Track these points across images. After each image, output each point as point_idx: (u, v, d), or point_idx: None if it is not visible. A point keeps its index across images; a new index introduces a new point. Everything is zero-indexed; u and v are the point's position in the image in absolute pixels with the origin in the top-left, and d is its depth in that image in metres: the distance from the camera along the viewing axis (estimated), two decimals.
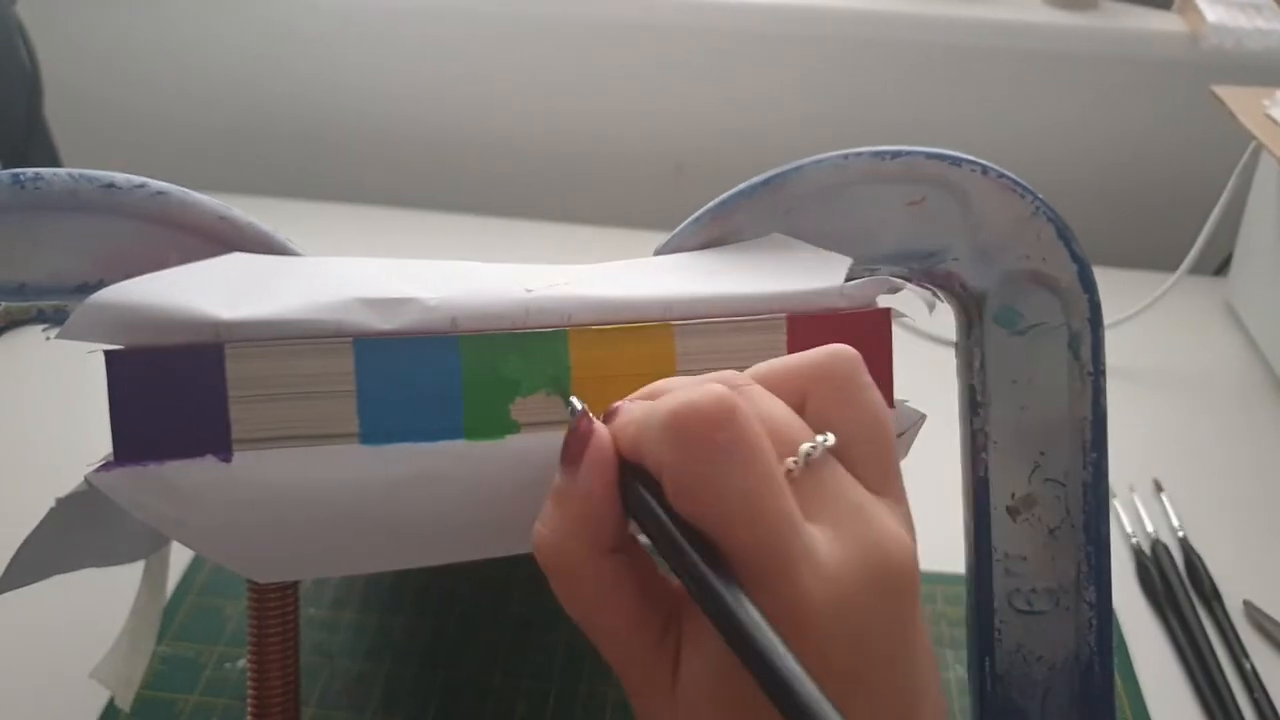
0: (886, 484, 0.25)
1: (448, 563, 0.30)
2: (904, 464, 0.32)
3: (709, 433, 0.22)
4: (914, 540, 0.24)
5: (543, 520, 0.24)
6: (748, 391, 0.24)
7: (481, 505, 0.29)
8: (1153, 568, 0.50)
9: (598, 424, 0.24)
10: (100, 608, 0.38)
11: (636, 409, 0.24)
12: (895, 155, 0.32)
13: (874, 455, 0.24)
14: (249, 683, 0.33)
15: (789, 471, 0.23)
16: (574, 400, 0.27)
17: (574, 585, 0.24)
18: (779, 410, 0.24)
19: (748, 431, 0.22)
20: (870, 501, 0.24)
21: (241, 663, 0.43)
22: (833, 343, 0.28)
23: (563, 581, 0.24)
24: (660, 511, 0.23)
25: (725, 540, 0.22)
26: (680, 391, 0.23)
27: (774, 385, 0.25)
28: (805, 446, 0.23)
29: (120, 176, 0.29)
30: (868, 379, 0.25)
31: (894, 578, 0.23)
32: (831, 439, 0.24)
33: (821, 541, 0.22)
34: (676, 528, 0.23)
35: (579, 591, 0.24)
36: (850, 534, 0.23)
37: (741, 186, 0.32)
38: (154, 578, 0.37)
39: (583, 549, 0.24)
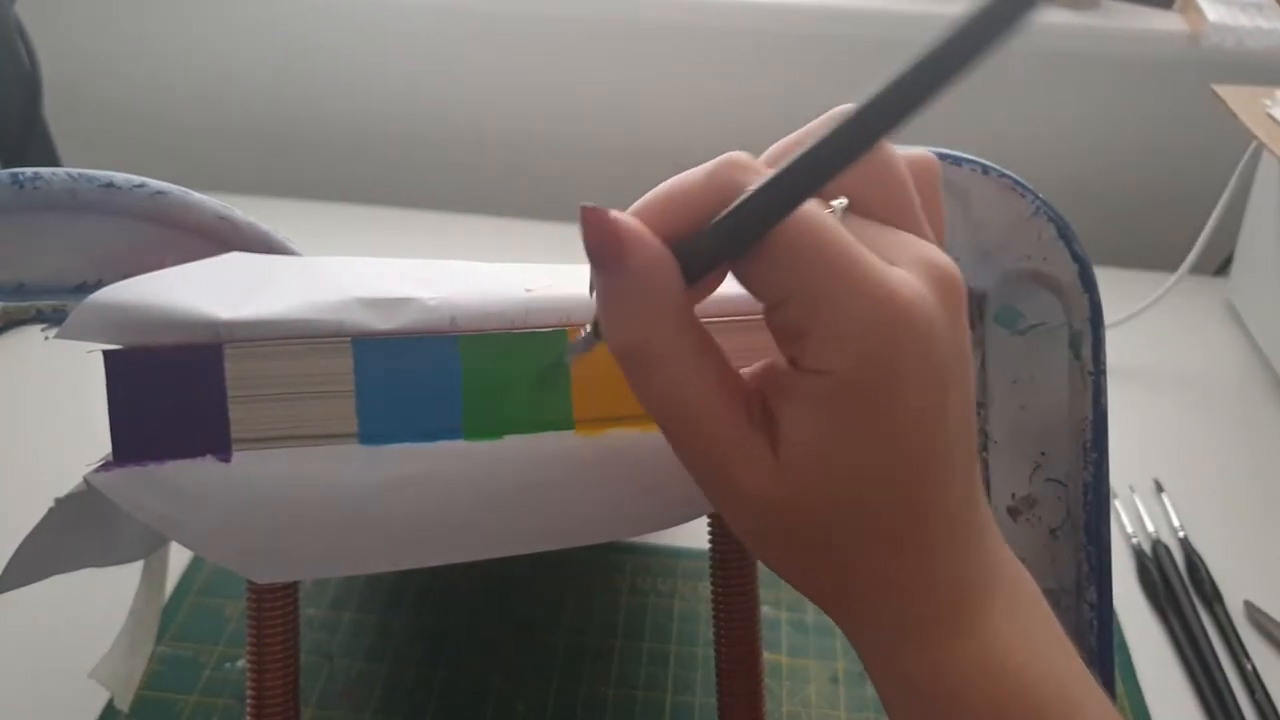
0: (917, 223, 0.24)
1: (447, 563, 0.30)
2: None
3: (959, 298, 0.22)
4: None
5: (607, 324, 0.23)
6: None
7: (481, 505, 0.29)
8: (1153, 568, 0.50)
9: (616, 213, 0.22)
10: (99, 608, 0.38)
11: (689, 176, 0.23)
12: None
13: (896, 201, 0.24)
14: (248, 682, 0.33)
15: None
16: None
17: (659, 370, 0.23)
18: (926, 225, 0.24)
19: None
20: (907, 236, 0.24)
21: (241, 663, 0.43)
22: None
23: (647, 370, 0.23)
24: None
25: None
26: (930, 250, 0.23)
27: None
28: (834, 202, 0.23)
29: (119, 176, 0.29)
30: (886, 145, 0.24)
31: (954, 291, 0.23)
32: (843, 202, 0.23)
33: (895, 271, 0.22)
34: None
35: (666, 374, 0.23)
36: (909, 260, 0.23)
37: None
38: (153, 578, 0.37)
39: (660, 328, 0.22)
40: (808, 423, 0.22)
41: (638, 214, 0.23)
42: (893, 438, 0.22)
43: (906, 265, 0.22)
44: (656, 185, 0.25)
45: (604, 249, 0.22)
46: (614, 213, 0.22)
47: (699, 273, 0.23)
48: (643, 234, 0.22)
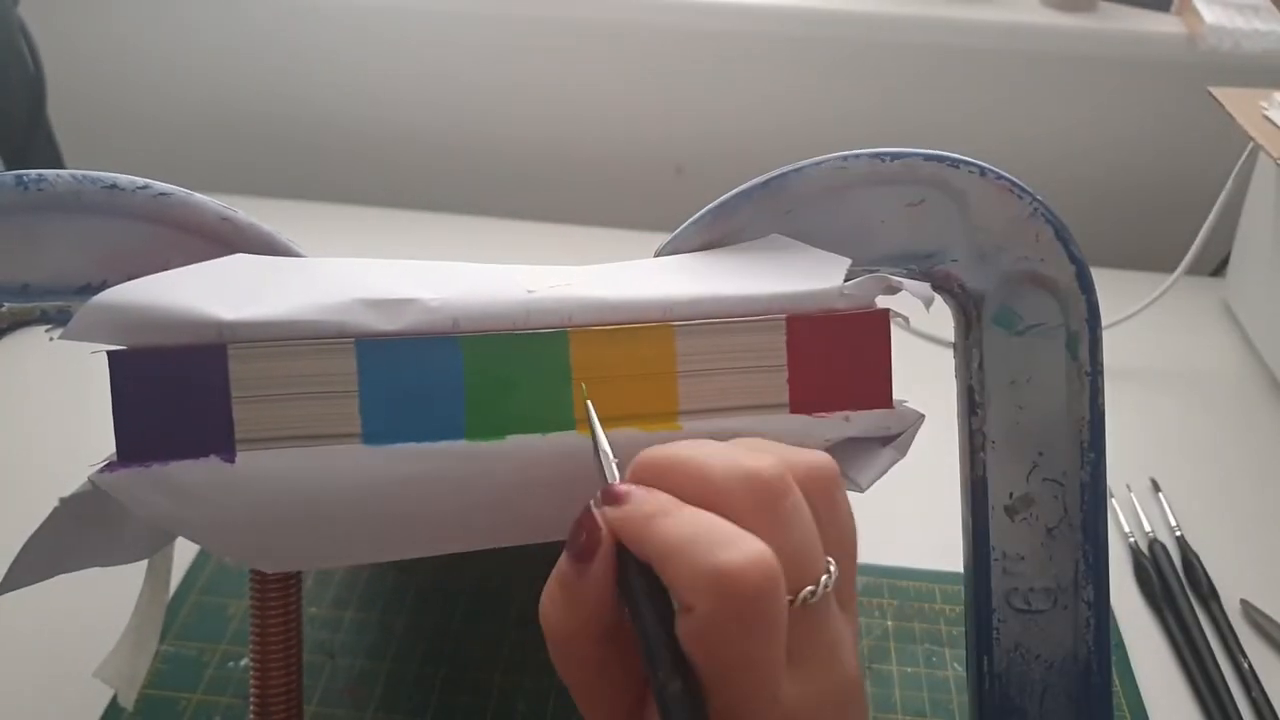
0: (849, 598, 0.26)
1: (451, 553, 0.31)
2: (903, 464, 0.32)
3: (752, 605, 0.22)
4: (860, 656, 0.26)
5: (551, 602, 0.25)
6: (790, 504, 0.24)
7: (483, 504, 0.29)
8: (1150, 567, 0.51)
9: (604, 526, 0.24)
10: (103, 607, 0.38)
11: (654, 500, 0.24)
12: (894, 157, 0.32)
13: (848, 573, 0.26)
14: (251, 679, 0.34)
15: (790, 603, 0.23)
16: (605, 469, 0.26)
17: (573, 667, 0.25)
18: (806, 530, 0.24)
19: (780, 608, 0.23)
20: (839, 631, 0.25)
21: (244, 661, 0.44)
22: (831, 349, 0.30)
23: (564, 663, 0.25)
24: (650, 624, 0.24)
25: (709, 678, 0.23)
26: (729, 546, 0.22)
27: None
28: (807, 591, 0.24)
29: (123, 178, 0.29)
30: (845, 494, 0.26)
31: (842, 707, 0.25)
32: (834, 574, 0.24)
33: (794, 685, 0.24)
34: (661, 620, 0.24)
35: (576, 672, 0.25)
36: (820, 675, 0.24)
37: (742, 187, 0.32)
38: (157, 577, 0.37)
39: (589, 636, 0.25)
40: None
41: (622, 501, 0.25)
42: None
43: (813, 688, 0.24)
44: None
45: (577, 542, 0.24)
46: (604, 527, 0.24)
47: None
48: (610, 561, 0.24)
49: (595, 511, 0.25)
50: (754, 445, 0.26)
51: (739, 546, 0.22)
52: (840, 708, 0.25)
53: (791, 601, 0.24)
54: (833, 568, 0.24)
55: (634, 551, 0.24)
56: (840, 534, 0.25)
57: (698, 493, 0.24)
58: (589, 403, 0.28)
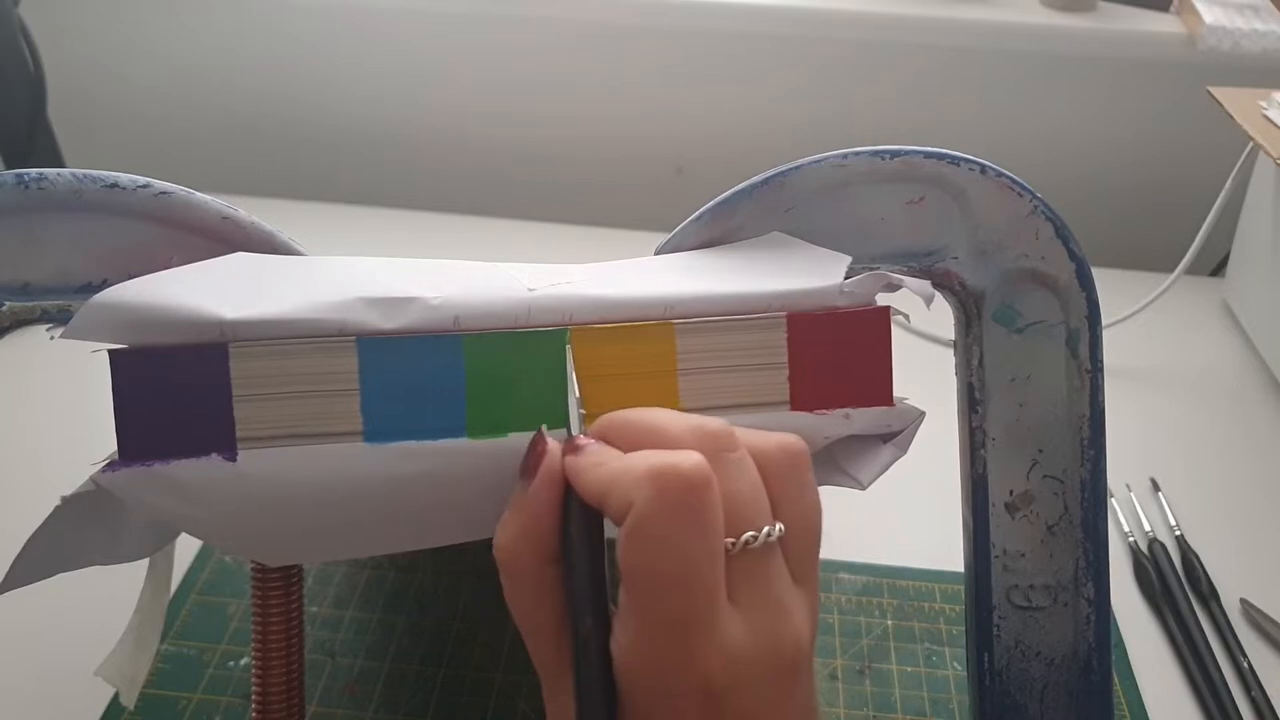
0: (807, 575, 0.27)
1: (452, 543, 0.31)
2: (903, 462, 0.32)
3: (684, 495, 0.24)
4: (814, 630, 0.26)
5: (502, 524, 0.26)
6: (735, 458, 0.25)
7: (485, 501, 0.29)
8: (1150, 566, 0.51)
9: (551, 442, 0.26)
10: (104, 606, 0.38)
11: (607, 452, 0.26)
12: (894, 154, 0.32)
13: (806, 548, 0.27)
14: (253, 678, 0.34)
15: (727, 549, 0.25)
16: (573, 413, 0.28)
17: (519, 586, 0.26)
18: (751, 483, 0.26)
19: (713, 505, 0.24)
20: (790, 595, 0.26)
21: (244, 661, 0.44)
22: (831, 346, 0.30)
23: (510, 580, 0.26)
24: (580, 560, 0.25)
25: (648, 589, 0.24)
26: (665, 453, 0.24)
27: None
28: (748, 534, 0.25)
29: (124, 177, 0.29)
30: (813, 477, 0.27)
31: (787, 673, 0.25)
32: (779, 531, 0.25)
33: (735, 624, 0.24)
34: (590, 561, 0.25)
35: (522, 592, 0.26)
36: (765, 625, 0.25)
37: (742, 185, 0.32)
38: (158, 576, 0.37)
39: (530, 554, 0.26)
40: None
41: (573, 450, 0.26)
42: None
43: (757, 637, 0.25)
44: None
45: (527, 461, 0.27)
46: (551, 444, 0.26)
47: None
48: (552, 476, 0.26)
49: (545, 435, 0.27)
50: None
51: (678, 453, 0.24)
52: (787, 674, 0.25)
53: (733, 544, 0.25)
54: (779, 527, 0.25)
55: (583, 495, 0.25)
56: (802, 510, 0.26)
57: (652, 445, 0.25)
58: (569, 351, 0.29)
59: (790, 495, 0.26)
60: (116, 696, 0.40)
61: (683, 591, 0.24)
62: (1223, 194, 0.64)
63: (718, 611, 0.24)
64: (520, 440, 0.29)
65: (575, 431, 0.27)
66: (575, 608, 0.25)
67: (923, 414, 0.32)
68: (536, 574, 0.26)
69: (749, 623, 0.25)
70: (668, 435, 0.25)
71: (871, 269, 0.32)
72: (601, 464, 0.25)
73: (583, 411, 0.28)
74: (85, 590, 0.37)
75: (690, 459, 0.24)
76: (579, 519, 0.25)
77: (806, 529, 0.26)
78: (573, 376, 0.29)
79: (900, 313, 0.32)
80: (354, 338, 0.28)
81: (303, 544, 0.30)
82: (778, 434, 0.27)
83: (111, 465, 0.28)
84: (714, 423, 0.26)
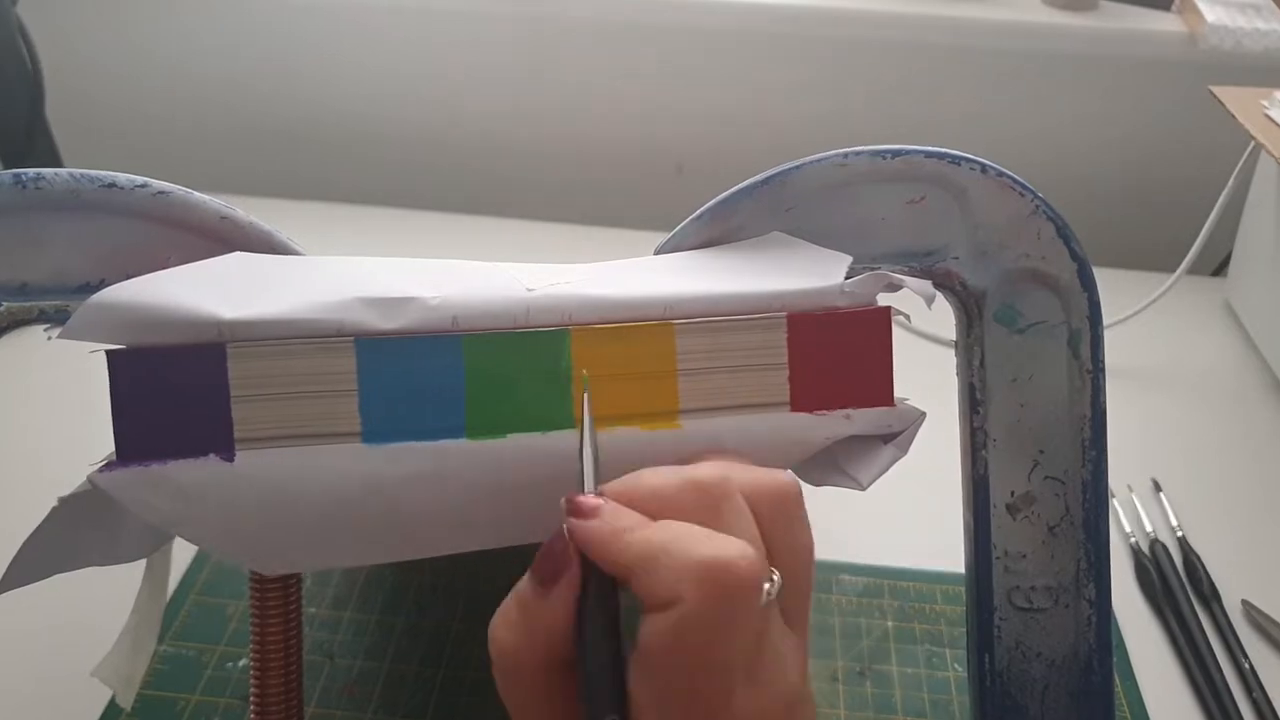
0: (800, 615, 0.26)
1: (452, 553, 0.31)
2: (904, 463, 0.32)
3: (738, 596, 0.23)
4: (805, 671, 0.26)
5: (505, 622, 0.25)
6: (734, 505, 0.25)
7: (484, 502, 0.29)
8: (1151, 567, 0.51)
9: (572, 548, 0.25)
10: (102, 606, 0.38)
11: (626, 516, 0.24)
12: (895, 154, 0.32)
13: (800, 590, 0.26)
14: (251, 680, 0.34)
15: None
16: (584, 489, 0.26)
17: (519, 690, 0.25)
18: (749, 533, 0.25)
19: (759, 600, 0.24)
20: (786, 643, 0.25)
21: (243, 662, 0.43)
22: (832, 347, 0.30)
23: (510, 684, 0.25)
24: (600, 653, 0.24)
25: (681, 679, 0.23)
26: (713, 541, 0.23)
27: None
28: (763, 590, 0.24)
29: (122, 176, 0.29)
30: (805, 513, 0.27)
31: (789, 713, 0.25)
32: (778, 583, 0.25)
33: (743, 687, 0.24)
34: (612, 667, 0.24)
35: (521, 696, 0.26)
36: (767, 681, 0.24)
37: (742, 185, 0.32)
38: (156, 577, 0.37)
39: (537, 662, 0.25)
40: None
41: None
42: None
43: (760, 698, 0.24)
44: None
45: (544, 565, 0.25)
46: (573, 551, 0.25)
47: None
48: (574, 584, 0.25)
49: (567, 534, 0.25)
50: (710, 463, 0.26)
51: (723, 541, 0.23)
52: (787, 715, 0.25)
53: None
54: (776, 577, 0.25)
55: (604, 565, 0.24)
56: (793, 552, 0.26)
57: (653, 510, 0.25)
58: (585, 399, 0.28)
59: (783, 536, 0.26)
60: (114, 698, 0.40)
61: (712, 680, 0.23)
62: (1224, 193, 0.63)
63: (734, 695, 0.24)
64: (520, 441, 0.28)
65: (589, 483, 0.26)
66: (594, 703, 0.24)
67: (923, 414, 0.32)
68: (542, 678, 0.25)
69: (753, 683, 0.24)
70: (664, 497, 0.25)
71: (872, 269, 0.32)
72: (627, 530, 0.24)
73: (594, 463, 0.27)
74: (83, 591, 0.36)
75: (744, 555, 0.23)
76: (597, 618, 0.24)
77: (800, 569, 0.26)
78: (589, 422, 0.27)
79: (901, 313, 0.32)
80: (352, 338, 0.28)
81: (300, 551, 0.30)
82: (769, 473, 0.26)
83: (109, 466, 0.28)
84: (706, 472, 0.25)
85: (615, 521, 0.24)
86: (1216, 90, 0.62)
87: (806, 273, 0.31)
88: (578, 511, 0.25)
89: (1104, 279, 0.34)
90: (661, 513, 0.24)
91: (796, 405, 0.30)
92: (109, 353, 0.27)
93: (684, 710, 0.24)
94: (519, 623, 0.25)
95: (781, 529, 0.26)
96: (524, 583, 0.25)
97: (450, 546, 0.31)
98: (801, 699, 0.25)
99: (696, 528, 0.24)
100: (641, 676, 0.24)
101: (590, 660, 0.24)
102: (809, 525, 0.27)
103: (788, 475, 0.27)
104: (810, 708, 0.26)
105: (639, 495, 0.25)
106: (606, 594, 0.24)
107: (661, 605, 0.23)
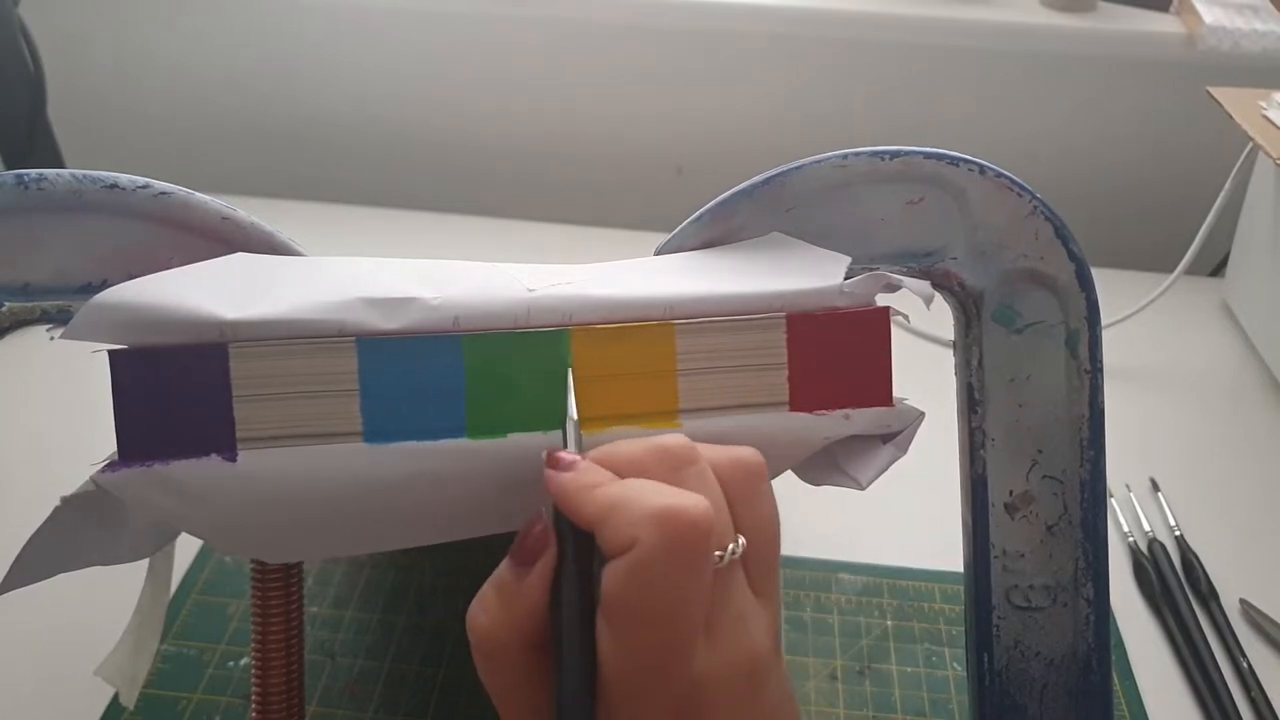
0: (766, 585, 0.27)
1: (452, 539, 0.31)
2: (903, 463, 0.32)
3: (689, 540, 0.24)
4: (777, 639, 0.27)
5: (484, 608, 0.26)
6: (696, 470, 0.26)
7: (484, 502, 0.29)
8: (1150, 567, 0.51)
9: (549, 531, 0.26)
10: (104, 606, 0.38)
11: (599, 473, 0.26)
12: (894, 155, 0.32)
13: (765, 558, 0.27)
14: (252, 678, 0.34)
15: None
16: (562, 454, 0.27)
17: (500, 672, 0.26)
18: (714, 496, 0.26)
19: (711, 549, 0.25)
20: (750, 608, 0.26)
21: (244, 661, 0.44)
22: (831, 347, 0.30)
23: (491, 666, 0.26)
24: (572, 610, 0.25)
25: (636, 624, 0.24)
26: (671, 493, 0.25)
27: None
28: (722, 552, 0.25)
29: (123, 177, 0.29)
30: (770, 488, 0.28)
31: (748, 683, 0.26)
32: (741, 546, 0.26)
33: (702, 646, 0.25)
34: (583, 646, 0.25)
35: (502, 677, 0.27)
36: (727, 642, 0.25)
37: (742, 185, 0.32)
38: (158, 576, 0.37)
39: (516, 643, 0.26)
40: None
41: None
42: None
43: (719, 653, 0.25)
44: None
45: (522, 548, 0.26)
46: (550, 534, 0.26)
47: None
48: (550, 565, 0.26)
49: (546, 521, 0.26)
50: (679, 434, 0.27)
51: (680, 493, 0.25)
52: (749, 678, 0.26)
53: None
54: (741, 541, 0.26)
55: (575, 517, 0.25)
56: (759, 521, 0.27)
57: (622, 470, 0.26)
58: (569, 374, 0.29)
59: (749, 507, 0.27)
60: (116, 697, 0.40)
61: (670, 629, 0.24)
62: (1222, 194, 0.64)
63: (695, 647, 0.25)
64: (521, 441, 0.29)
65: (572, 445, 0.27)
66: (565, 685, 0.25)
67: (922, 414, 0.32)
68: (521, 657, 0.26)
69: (713, 645, 0.25)
70: (632, 460, 0.26)
71: (871, 269, 0.32)
72: (597, 485, 0.25)
73: (576, 419, 0.28)
74: (85, 590, 0.37)
75: (698, 504, 0.24)
76: (571, 591, 0.25)
77: (765, 541, 0.27)
78: (571, 389, 0.28)
79: (900, 313, 0.32)
80: (354, 338, 0.28)
81: (302, 543, 0.30)
82: (735, 448, 0.27)
83: (111, 465, 0.28)
84: (672, 439, 0.26)
85: (587, 477, 0.26)
86: (1214, 91, 0.62)
87: (806, 273, 0.31)
88: (556, 464, 0.26)
89: (1102, 279, 0.34)
90: (629, 473, 0.26)
91: (796, 405, 0.30)
92: (111, 353, 0.27)
93: (644, 665, 0.24)
94: (497, 607, 0.26)
95: (748, 499, 0.27)
96: (502, 568, 0.27)
97: (451, 535, 0.31)
98: (766, 666, 0.26)
99: (659, 483, 0.25)
100: (605, 632, 0.25)
101: (564, 631, 0.25)
102: (774, 498, 0.27)
103: (753, 451, 0.27)
104: (779, 679, 0.27)
105: (611, 457, 0.26)
106: (582, 568, 0.25)
107: (620, 550, 0.24)
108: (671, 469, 0.26)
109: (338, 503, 0.28)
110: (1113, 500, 0.55)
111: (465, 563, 0.48)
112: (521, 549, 0.26)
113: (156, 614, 0.37)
